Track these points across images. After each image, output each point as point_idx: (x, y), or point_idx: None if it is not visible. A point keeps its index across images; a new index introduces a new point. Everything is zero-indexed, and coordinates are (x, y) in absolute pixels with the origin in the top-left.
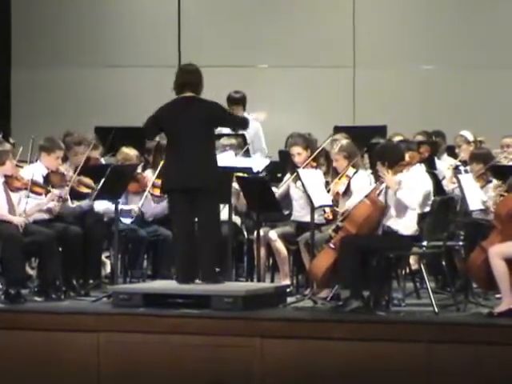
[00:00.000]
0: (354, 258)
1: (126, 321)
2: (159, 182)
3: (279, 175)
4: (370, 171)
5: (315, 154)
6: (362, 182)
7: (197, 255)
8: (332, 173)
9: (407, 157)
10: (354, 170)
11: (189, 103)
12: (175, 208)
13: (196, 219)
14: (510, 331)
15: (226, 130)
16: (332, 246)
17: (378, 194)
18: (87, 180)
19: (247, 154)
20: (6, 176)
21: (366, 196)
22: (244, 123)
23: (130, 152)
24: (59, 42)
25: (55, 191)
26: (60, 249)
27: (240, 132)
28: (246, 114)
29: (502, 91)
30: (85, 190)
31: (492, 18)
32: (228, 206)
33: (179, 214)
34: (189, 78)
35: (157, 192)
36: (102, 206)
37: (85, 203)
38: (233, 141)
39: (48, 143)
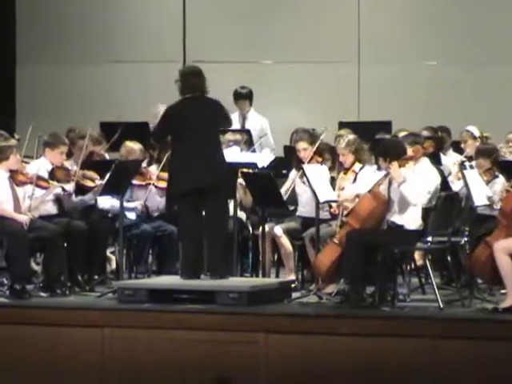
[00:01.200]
0: (359, 253)
1: (131, 316)
2: (164, 175)
3: (284, 171)
4: (375, 166)
5: (315, 146)
6: (368, 177)
7: (204, 250)
8: (338, 167)
9: (411, 151)
10: (361, 166)
11: (198, 103)
12: (182, 205)
13: (204, 214)
14: None
15: None
16: (336, 241)
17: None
18: (91, 173)
19: (252, 150)
20: (11, 171)
21: (369, 190)
22: (230, 123)
23: (133, 146)
24: (63, 39)
25: (55, 183)
26: (65, 244)
27: (244, 128)
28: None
29: (506, 87)
30: (90, 184)
31: (495, 15)
32: (233, 201)
33: (186, 211)
34: (196, 80)
35: (161, 184)
36: (107, 202)
37: (87, 197)
38: (238, 136)
39: (52, 139)
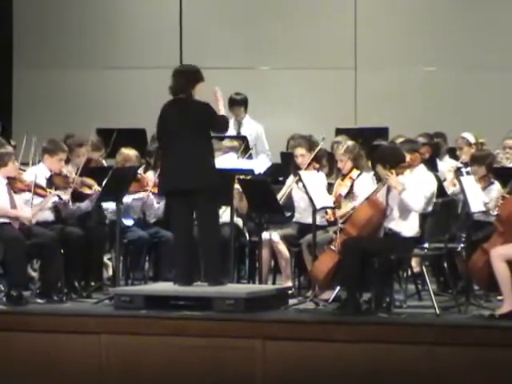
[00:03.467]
0: (356, 260)
1: (127, 323)
2: None
3: (281, 178)
4: (373, 173)
5: (313, 154)
6: (365, 184)
7: (197, 257)
8: (336, 174)
9: (408, 158)
10: (358, 172)
11: (180, 105)
12: (173, 210)
13: (196, 222)
14: None
15: None
16: (334, 248)
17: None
18: (90, 181)
19: (249, 156)
20: (8, 178)
21: (367, 198)
22: (225, 125)
23: (129, 152)
24: (61, 43)
25: (53, 192)
26: (62, 251)
27: (239, 134)
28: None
29: (504, 92)
30: (88, 191)
31: (493, 19)
32: (230, 207)
33: (177, 216)
34: (177, 80)
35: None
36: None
37: (84, 204)
38: (235, 143)
39: (51, 145)
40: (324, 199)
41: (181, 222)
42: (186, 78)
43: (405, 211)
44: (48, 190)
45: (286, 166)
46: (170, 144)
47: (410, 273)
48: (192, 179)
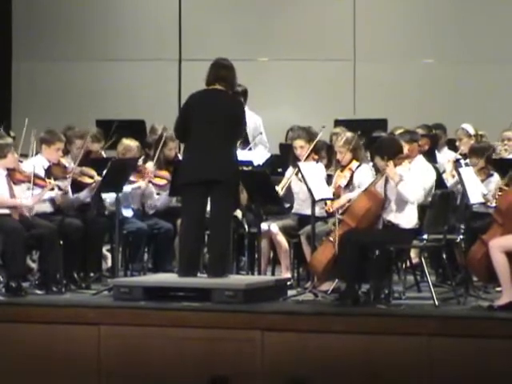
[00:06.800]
0: (354, 252)
1: (126, 314)
2: (160, 172)
3: (279, 169)
4: (372, 164)
5: (312, 145)
6: (364, 175)
7: (202, 248)
8: (335, 165)
9: (406, 149)
10: (358, 164)
11: (217, 96)
12: (187, 200)
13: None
14: (511, 324)
15: None
16: (332, 239)
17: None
18: (89, 170)
19: (248, 148)
20: (8, 169)
21: (365, 189)
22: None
23: (130, 143)
24: (60, 36)
25: (52, 182)
26: (61, 242)
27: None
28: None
29: (502, 85)
30: (87, 181)
31: (492, 12)
32: None
33: (191, 207)
34: (222, 72)
35: (159, 181)
36: (110, 196)
37: (83, 195)
38: None
39: (48, 135)
40: (323, 190)
41: (194, 212)
42: (234, 74)
43: (401, 203)
44: (47, 180)
45: (284, 157)
46: (200, 133)
47: (408, 264)
48: (212, 170)
